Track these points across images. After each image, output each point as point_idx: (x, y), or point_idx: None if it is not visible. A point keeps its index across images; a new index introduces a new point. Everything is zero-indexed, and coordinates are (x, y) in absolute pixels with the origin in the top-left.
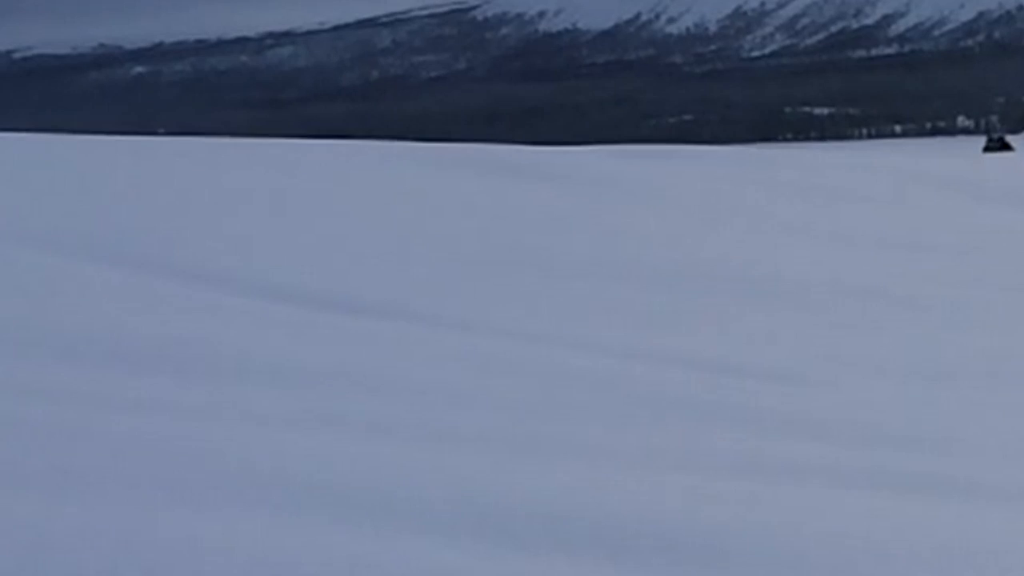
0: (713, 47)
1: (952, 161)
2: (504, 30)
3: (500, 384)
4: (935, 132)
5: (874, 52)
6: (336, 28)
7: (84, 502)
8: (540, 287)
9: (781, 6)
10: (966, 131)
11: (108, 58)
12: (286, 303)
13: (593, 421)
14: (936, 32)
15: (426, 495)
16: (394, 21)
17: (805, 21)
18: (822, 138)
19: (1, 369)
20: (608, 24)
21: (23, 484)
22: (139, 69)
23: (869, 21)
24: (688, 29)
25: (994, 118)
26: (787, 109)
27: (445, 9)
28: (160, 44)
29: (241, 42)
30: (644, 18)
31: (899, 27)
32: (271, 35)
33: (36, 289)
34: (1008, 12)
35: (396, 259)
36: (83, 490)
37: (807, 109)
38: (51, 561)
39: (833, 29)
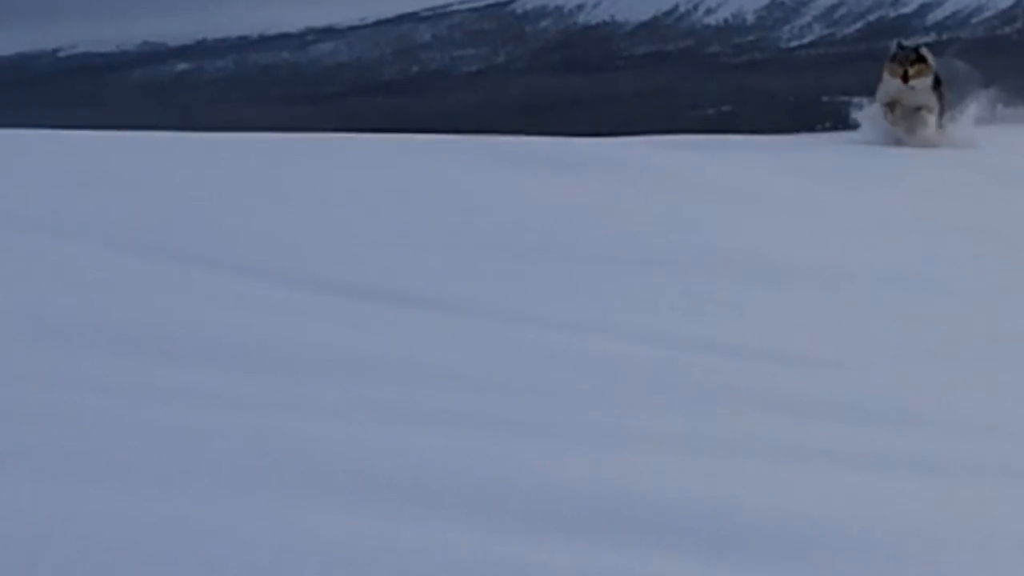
0: (751, 37)
1: (989, 147)
2: (543, 23)
3: (543, 373)
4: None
5: (911, 41)
6: (377, 23)
7: (130, 491)
8: (580, 277)
9: None
10: (1004, 118)
11: (152, 55)
12: (330, 294)
13: (636, 408)
14: (974, 20)
15: (471, 483)
16: (434, 16)
17: (843, 11)
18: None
19: (51, 360)
20: (646, 16)
21: (70, 473)
22: (182, 66)
23: (906, 10)
24: (726, 20)
25: None
26: (825, 98)
27: (484, 3)
28: (203, 41)
29: (283, 38)
30: (682, 9)
31: (936, 15)
32: (312, 31)
33: (85, 283)
34: None
35: (438, 250)
36: (130, 480)
37: (845, 98)
38: (98, 550)
39: (871, 18)
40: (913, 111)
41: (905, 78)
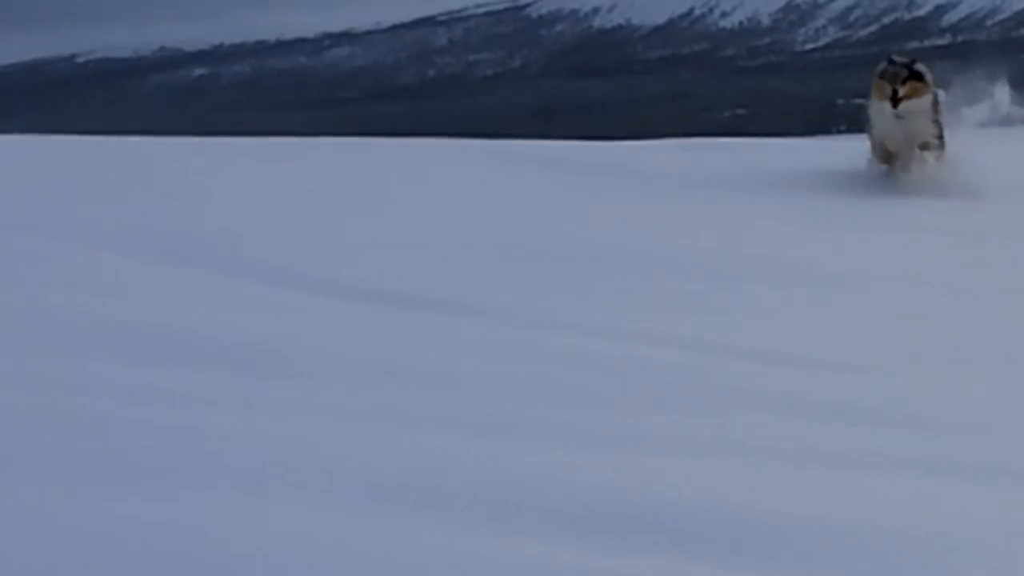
0: (766, 40)
1: (999, 150)
2: (559, 27)
3: (545, 374)
4: (986, 122)
5: (927, 43)
6: (393, 28)
7: (143, 495)
8: (594, 279)
9: None
10: (1019, 120)
11: (169, 60)
12: (335, 297)
13: (636, 409)
14: (988, 22)
15: (480, 486)
16: (450, 20)
17: (857, 13)
18: None
19: (58, 363)
20: (662, 19)
21: (82, 478)
22: (200, 71)
23: (921, 12)
24: (741, 23)
25: None
26: (840, 101)
27: (500, 7)
28: (220, 46)
29: (299, 43)
30: (697, 12)
31: (951, 18)
32: (329, 35)
33: (91, 286)
34: None
35: (443, 253)
36: (142, 483)
37: (861, 101)
38: (113, 554)
39: (885, 21)
40: (909, 149)
41: (895, 100)
